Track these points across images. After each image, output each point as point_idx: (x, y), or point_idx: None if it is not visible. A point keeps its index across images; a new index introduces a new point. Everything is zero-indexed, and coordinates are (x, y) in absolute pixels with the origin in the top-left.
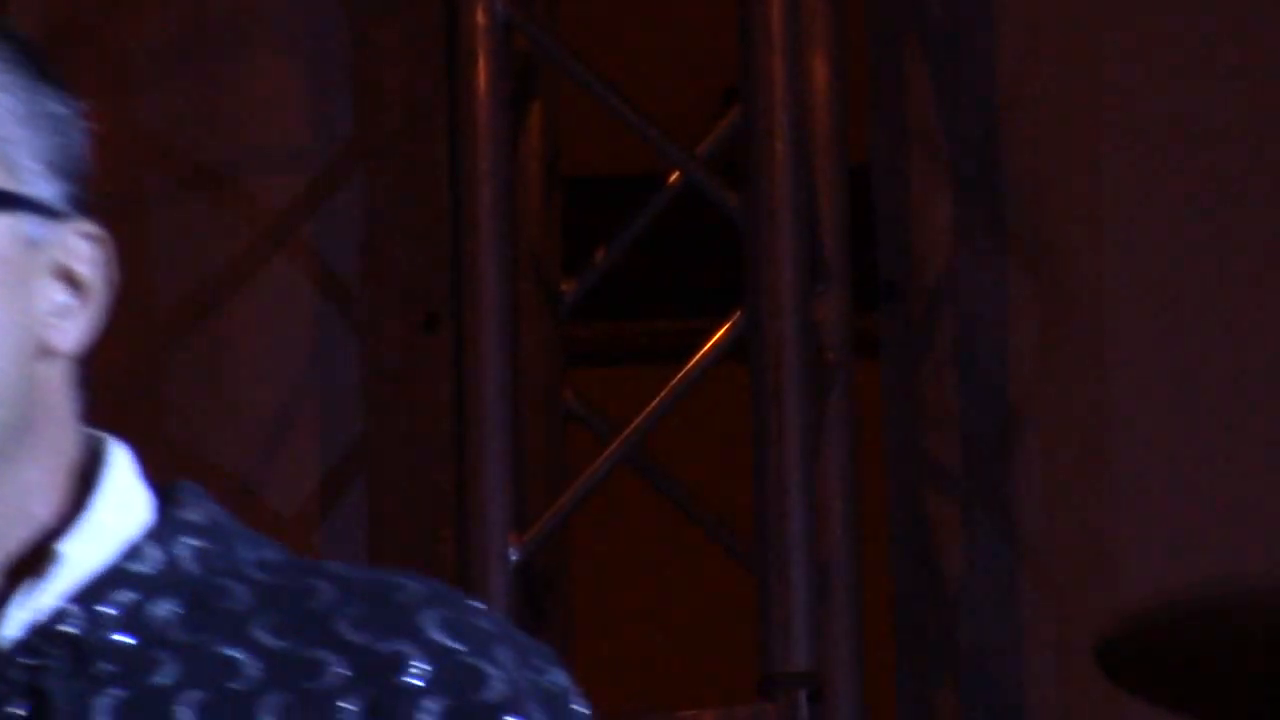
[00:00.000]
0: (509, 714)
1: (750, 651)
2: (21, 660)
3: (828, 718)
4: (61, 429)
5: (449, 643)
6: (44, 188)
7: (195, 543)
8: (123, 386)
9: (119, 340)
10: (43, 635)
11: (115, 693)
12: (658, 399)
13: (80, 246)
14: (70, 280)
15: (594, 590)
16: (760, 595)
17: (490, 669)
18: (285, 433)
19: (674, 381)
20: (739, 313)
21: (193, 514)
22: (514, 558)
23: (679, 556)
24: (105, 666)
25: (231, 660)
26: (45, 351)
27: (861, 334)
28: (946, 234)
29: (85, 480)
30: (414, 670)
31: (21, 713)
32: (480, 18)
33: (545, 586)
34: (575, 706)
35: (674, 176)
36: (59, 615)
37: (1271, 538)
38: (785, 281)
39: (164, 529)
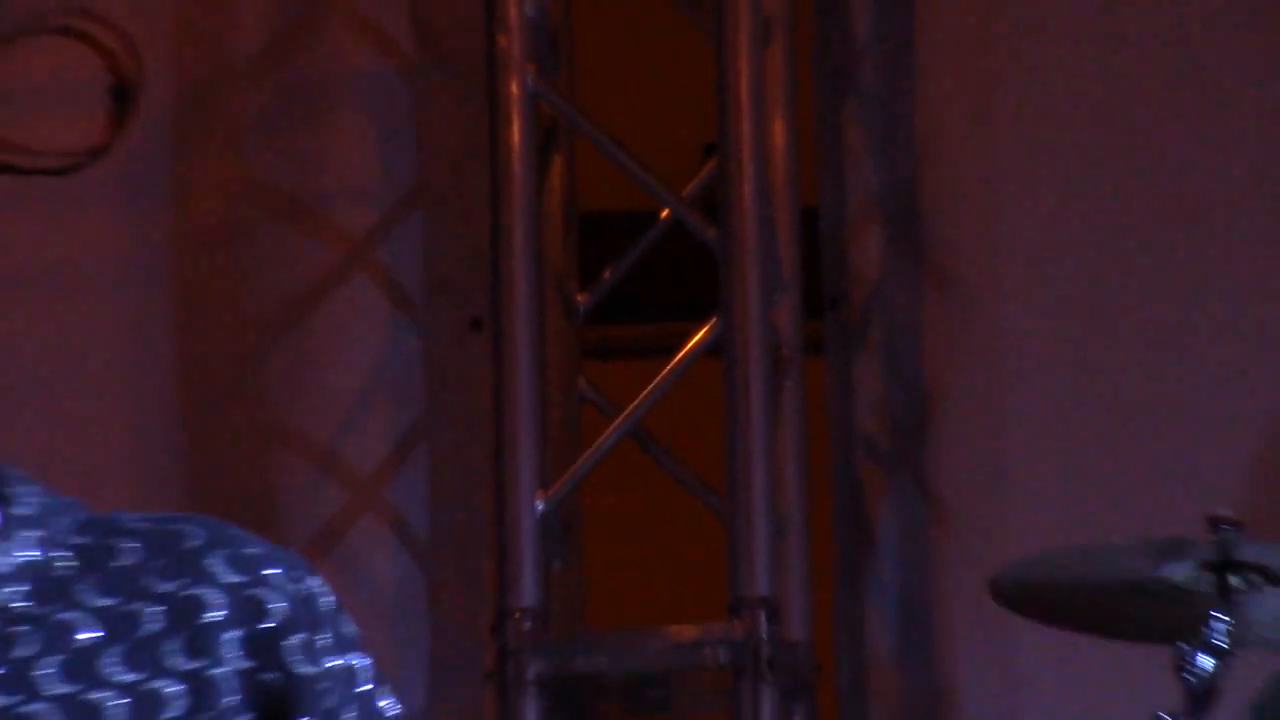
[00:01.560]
0: (289, 633)
1: (722, 581)
2: None
3: (782, 632)
4: None
5: (233, 578)
6: None
7: (33, 534)
8: (231, 378)
9: (227, 341)
10: None
11: None
12: (651, 386)
13: None
14: None
15: (601, 534)
16: (730, 537)
17: (269, 596)
18: (362, 412)
19: (664, 373)
20: (715, 319)
21: (24, 508)
22: (539, 509)
23: (667, 508)
24: None
25: (72, 623)
26: None
27: (810, 336)
28: (876, 259)
29: None
30: (213, 608)
31: None
32: (514, 89)
33: (564, 532)
34: (323, 602)
35: (665, 213)
36: None
37: (1130, 502)
38: (751, 295)
39: (6, 530)
